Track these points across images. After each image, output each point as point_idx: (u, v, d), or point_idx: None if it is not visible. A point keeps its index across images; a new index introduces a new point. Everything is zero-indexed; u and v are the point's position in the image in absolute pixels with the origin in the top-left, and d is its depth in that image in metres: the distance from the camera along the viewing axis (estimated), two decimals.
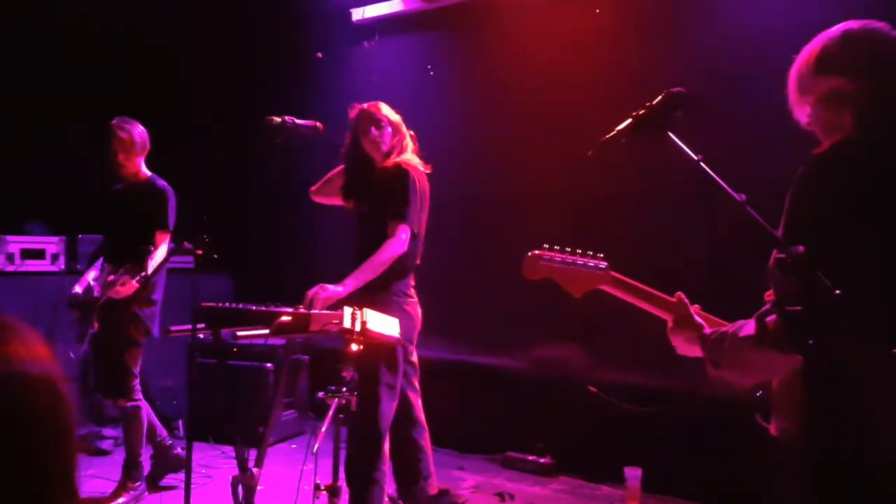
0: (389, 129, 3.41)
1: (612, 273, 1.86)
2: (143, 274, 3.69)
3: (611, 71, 4.59)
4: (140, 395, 4.15)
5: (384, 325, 2.63)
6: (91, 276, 4.26)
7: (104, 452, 4.95)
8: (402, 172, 3.31)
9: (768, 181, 3.78)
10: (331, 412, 2.47)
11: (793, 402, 1.56)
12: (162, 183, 4.25)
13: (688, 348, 1.75)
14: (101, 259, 4.30)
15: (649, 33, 4.60)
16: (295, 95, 6.00)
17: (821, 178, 1.51)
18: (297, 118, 3.22)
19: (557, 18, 4.97)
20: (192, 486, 2.95)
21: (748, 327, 1.53)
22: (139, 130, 4.27)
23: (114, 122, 4.25)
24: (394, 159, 3.36)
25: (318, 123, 3.26)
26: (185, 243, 3.19)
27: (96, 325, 4.11)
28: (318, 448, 2.37)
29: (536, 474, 4.60)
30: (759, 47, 4.10)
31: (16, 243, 5.05)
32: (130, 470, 4.11)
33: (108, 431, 5.16)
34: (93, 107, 5.93)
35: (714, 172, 1.65)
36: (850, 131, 1.54)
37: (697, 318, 1.75)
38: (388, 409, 3.19)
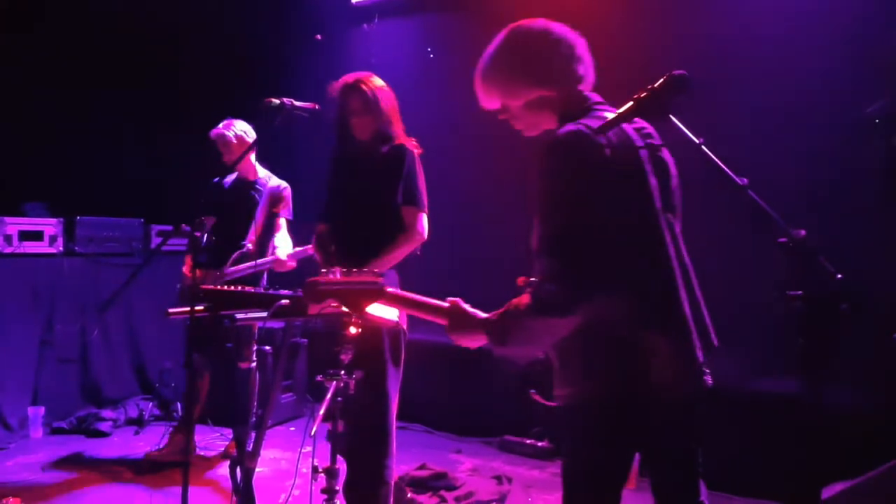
0: (380, 107, 3.14)
1: (387, 289, 1.94)
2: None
3: (614, 53, 4.52)
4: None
5: (382, 308, 2.61)
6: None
7: (103, 434, 4.96)
8: (404, 153, 3.13)
9: (768, 164, 3.76)
10: (329, 395, 2.47)
11: (572, 363, 1.80)
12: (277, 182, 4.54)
13: (469, 340, 1.86)
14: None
15: (653, 15, 4.56)
16: (294, 77, 5.97)
17: (566, 162, 1.73)
18: (296, 100, 3.20)
19: (559, 0, 4.93)
20: (190, 469, 2.96)
21: (525, 300, 1.72)
22: (233, 133, 4.46)
23: (213, 133, 4.49)
24: (395, 139, 3.17)
25: (316, 105, 3.23)
26: (184, 226, 3.18)
27: None
28: (316, 431, 2.37)
29: (534, 458, 4.62)
30: (762, 30, 4.08)
31: (14, 225, 5.03)
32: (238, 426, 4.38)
33: (106, 413, 5.17)
34: (91, 86, 5.92)
35: (716, 156, 1.63)
36: (555, 125, 1.89)
37: (472, 310, 1.85)
38: (396, 402, 3.08)
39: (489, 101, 2.04)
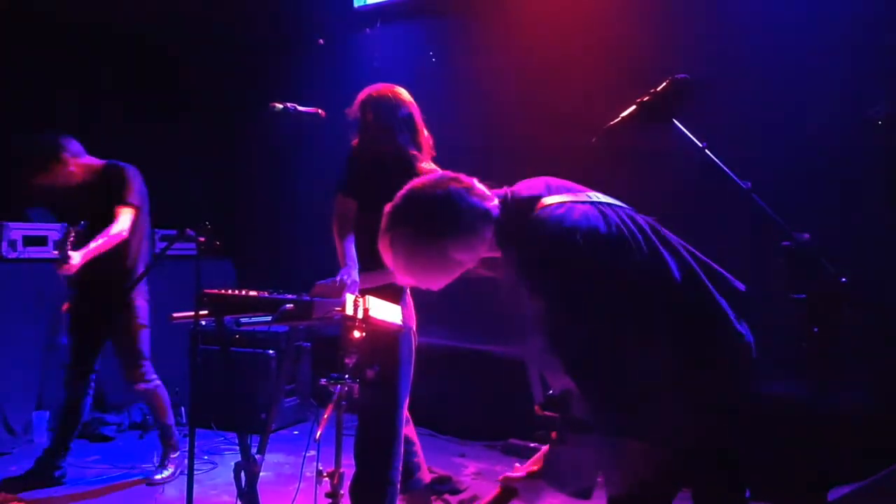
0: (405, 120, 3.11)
1: None
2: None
3: (616, 57, 4.55)
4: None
5: (386, 312, 2.62)
6: None
7: (107, 438, 4.96)
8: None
9: (769, 168, 3.76)
10: (333, 399, 2.47)
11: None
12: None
13: (543, 498, 1.82)
14: None
15: (656, 19, 4.56)
16: (297, 82, 5.99)
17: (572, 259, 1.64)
18: (300, 105, 3.20)
19: (562, 3, 4.94)
20: (194, 473, 2.97)
21: (565, 432, 1.69)
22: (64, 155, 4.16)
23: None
24: (420, 161, 3.06)
25: (319, 110, 3.24)
26: (188, 230, 3.19)
27: None
28: (320, 435, 2.37)
29: None
30: (763, 33, 4.08)
31: (18, 230, 5.04)
32: (166, 440, 4.27)
33: (110, 417, 5.17)
34: (93, 89, 5.93)
35: (719, 159, 1.64)
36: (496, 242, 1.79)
37: (522, 472, 1.82)
38: (405, 403, 3.10)
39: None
